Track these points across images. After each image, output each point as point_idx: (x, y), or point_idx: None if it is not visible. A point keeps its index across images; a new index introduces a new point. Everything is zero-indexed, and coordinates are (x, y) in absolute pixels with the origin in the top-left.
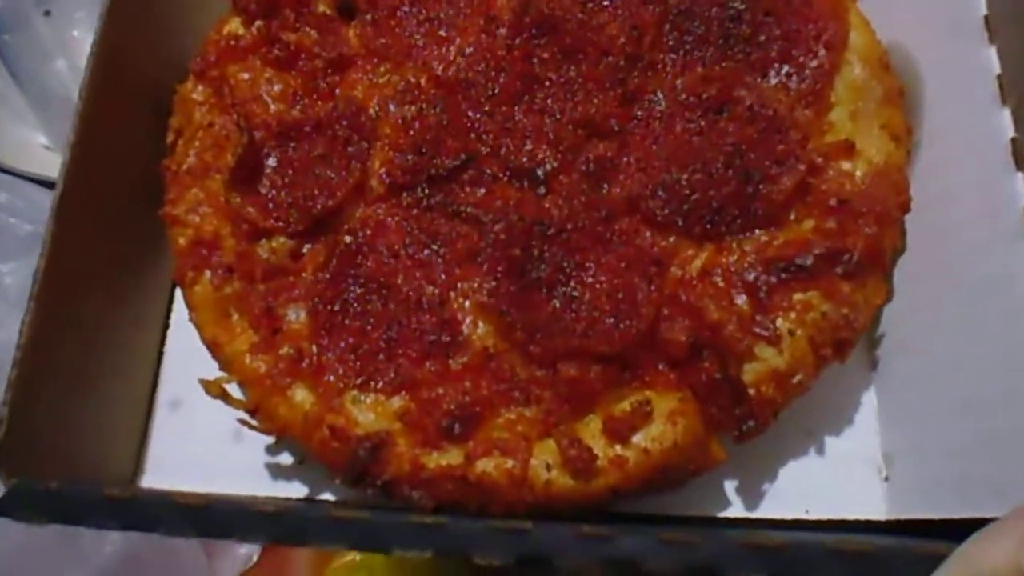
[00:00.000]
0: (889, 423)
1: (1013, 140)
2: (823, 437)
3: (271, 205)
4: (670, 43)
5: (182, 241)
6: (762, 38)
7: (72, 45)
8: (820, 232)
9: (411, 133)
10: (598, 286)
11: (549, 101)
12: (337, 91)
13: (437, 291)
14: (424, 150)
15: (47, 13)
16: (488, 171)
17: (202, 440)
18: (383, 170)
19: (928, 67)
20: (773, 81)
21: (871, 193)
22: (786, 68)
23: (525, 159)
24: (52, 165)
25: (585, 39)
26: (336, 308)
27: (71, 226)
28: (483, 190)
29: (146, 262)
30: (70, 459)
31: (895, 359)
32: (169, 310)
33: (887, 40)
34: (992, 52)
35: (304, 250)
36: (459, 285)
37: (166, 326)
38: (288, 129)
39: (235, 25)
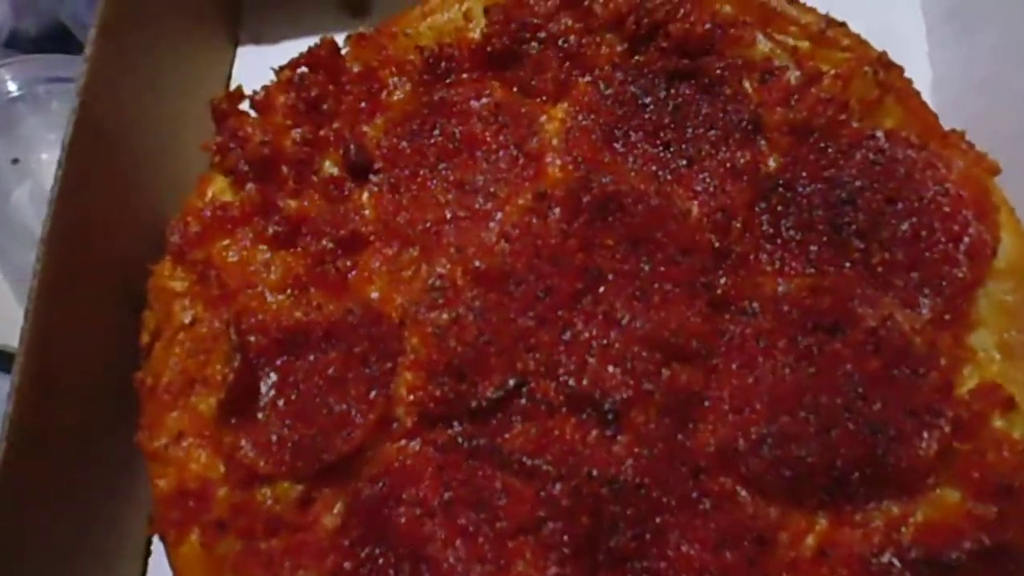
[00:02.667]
0: None
1: None
2: None
3: (273, 445)
4: (765, 229)
5: (162, 485)
6: (884, 234)
7: (37, 168)
8: (972, 519)
9: (445, 349)
10: (685, 567)
11: (616, 305)
12: (350, 276)
13: (486, 574)
14: (463, 372)
15: (15, 161)
16: (541, 399)
17: None
18: (411, 397)
19: None
20: (901, 294)
21: None
22: (916, 276)
23: (588, 385)
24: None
25: (659, 225)
26: None
27: (17, 492)
28: (535, 427)
29: (120, 487)
30: None
31: None
32: (149, 542)
33: None
34: None
35: (314, 495)
36: (515, 566)
37: (147, 553)
38: (291, 336)
39: (221, 186)
